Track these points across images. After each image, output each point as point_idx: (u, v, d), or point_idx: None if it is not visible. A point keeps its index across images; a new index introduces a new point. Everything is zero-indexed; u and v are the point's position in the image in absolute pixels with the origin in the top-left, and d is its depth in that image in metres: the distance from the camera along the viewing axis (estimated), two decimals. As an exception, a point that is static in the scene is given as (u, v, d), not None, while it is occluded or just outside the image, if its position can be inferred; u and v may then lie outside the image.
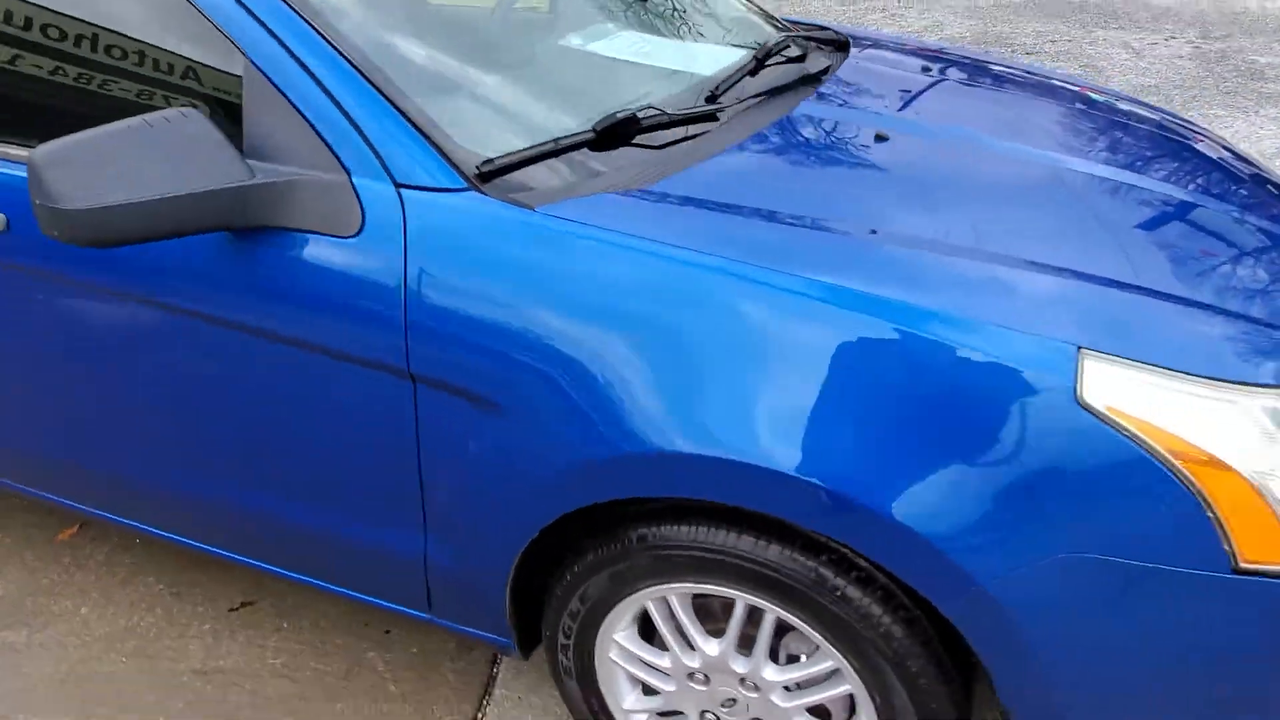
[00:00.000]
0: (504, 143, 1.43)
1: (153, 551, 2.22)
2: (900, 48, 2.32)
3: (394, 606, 1.64)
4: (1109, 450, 1.10)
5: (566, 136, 1.45)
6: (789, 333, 1.19)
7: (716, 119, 1.65)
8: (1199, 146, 1.96)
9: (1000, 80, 2.18)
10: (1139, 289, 1.29)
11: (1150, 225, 1.51)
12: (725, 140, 1.58)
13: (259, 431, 1.52)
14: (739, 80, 1.79)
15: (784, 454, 1.17)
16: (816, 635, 1.31)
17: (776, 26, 2.23)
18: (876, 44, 2.28)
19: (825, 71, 1.97)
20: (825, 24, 2.43)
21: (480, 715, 1.82)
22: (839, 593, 1.25)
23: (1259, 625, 1.14)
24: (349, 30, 1.42)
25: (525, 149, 1.41)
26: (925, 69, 2.16)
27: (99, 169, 1.22)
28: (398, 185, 1.32)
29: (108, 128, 1.25)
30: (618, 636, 1.48)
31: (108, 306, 1.53)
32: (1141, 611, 1.15)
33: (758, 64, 1.88)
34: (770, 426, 1.18)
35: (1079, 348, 1.14)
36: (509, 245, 1.28)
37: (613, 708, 1.58)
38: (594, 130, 1.46)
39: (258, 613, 2.06)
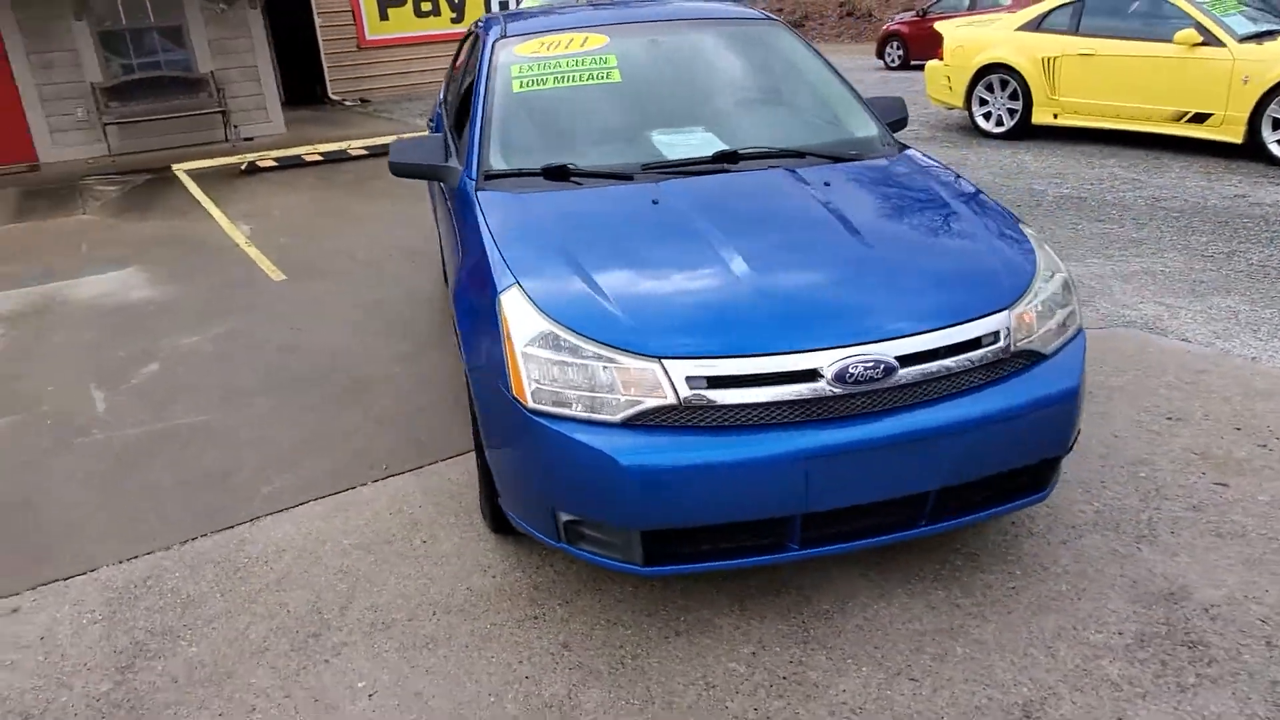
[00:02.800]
0: (510, 163, 3.21)
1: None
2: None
3: None
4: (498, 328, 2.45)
5: (530, 170, 3.14)
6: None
7: (631, 178, 3.03)
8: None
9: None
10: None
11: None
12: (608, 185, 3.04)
13: None
14: (690, 164, 3.12)
15: None
16: None
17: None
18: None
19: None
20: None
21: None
22: None
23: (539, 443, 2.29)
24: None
25: (512, 169, 3.17)
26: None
27: (409, 148, 3.35)
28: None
29: (417, 136, 3.51)
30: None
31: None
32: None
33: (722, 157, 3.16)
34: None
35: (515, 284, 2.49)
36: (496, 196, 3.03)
37: None
38: (541, 170, 3.10)
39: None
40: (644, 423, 2.21)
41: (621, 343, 2.26)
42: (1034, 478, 2.51)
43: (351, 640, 2.57)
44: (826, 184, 2.98)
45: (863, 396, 2.24)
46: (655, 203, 2.87)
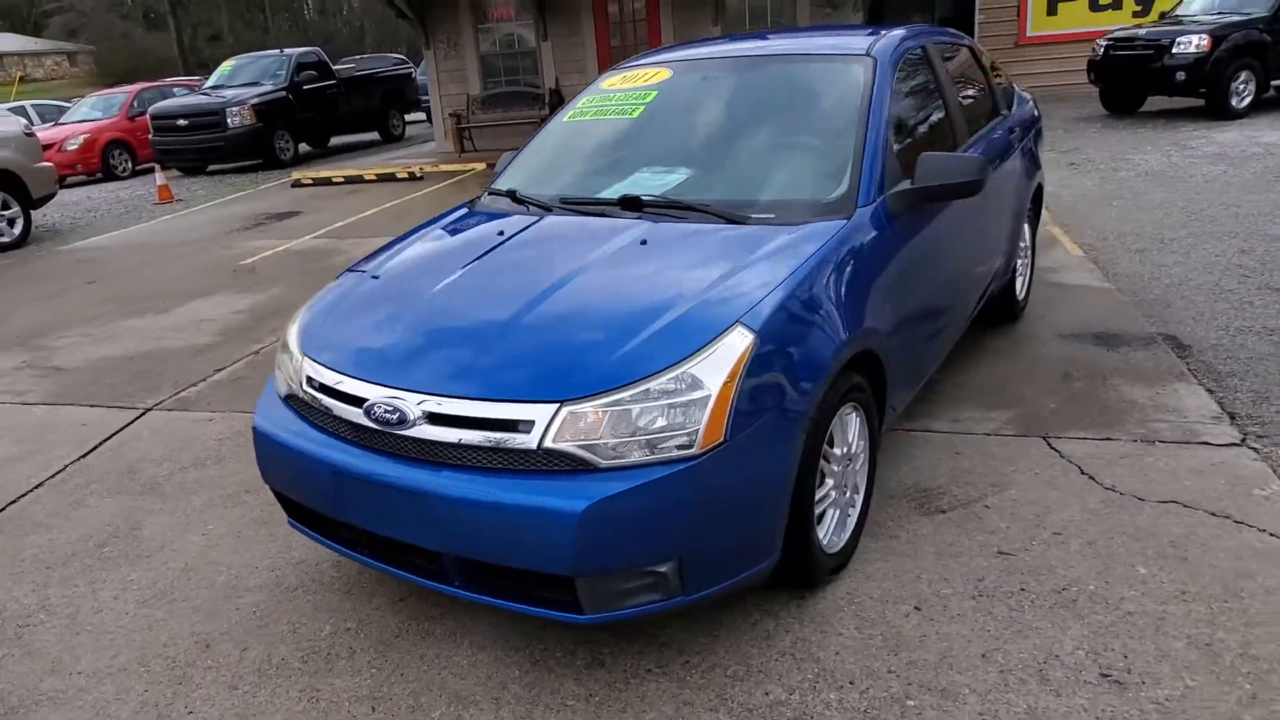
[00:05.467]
0: (508, 184, 3.60)
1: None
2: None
3: None
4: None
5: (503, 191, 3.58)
6: None
7: (549, 209, 3.29)
8: None
9: None
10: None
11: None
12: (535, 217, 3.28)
13: None
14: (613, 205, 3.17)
15: None
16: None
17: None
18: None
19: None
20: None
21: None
22: None
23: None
24: None
25: (506, 190, 3.55)
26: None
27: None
28: None
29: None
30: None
31: None
32: None
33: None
34: None
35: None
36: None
37: None
38: (508, 190, 3.53)
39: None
40: (292, 405, 2.73)
41: (299, 342, 2.79)
42: (565, 593, 2.27)
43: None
44: (643, 242, 2.84)
45: (385, 435, 2.39)
46: (501, 234, 3.12)
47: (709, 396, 2.20)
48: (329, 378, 2.57)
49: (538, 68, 13.44)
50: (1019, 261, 4.74)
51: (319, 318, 2.87)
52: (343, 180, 12.30)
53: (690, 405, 2.19)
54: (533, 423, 2.21)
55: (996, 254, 4.18)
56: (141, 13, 55.98)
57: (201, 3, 51.93)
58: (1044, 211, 7.28)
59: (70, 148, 15.40)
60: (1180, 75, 10.97)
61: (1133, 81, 11.85)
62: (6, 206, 9.81)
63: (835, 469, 2.69)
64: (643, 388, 2.21)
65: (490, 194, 3.64)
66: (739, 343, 2.30)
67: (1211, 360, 4.19)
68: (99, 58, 53.90)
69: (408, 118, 18.82)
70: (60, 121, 17.04)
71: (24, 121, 10.43)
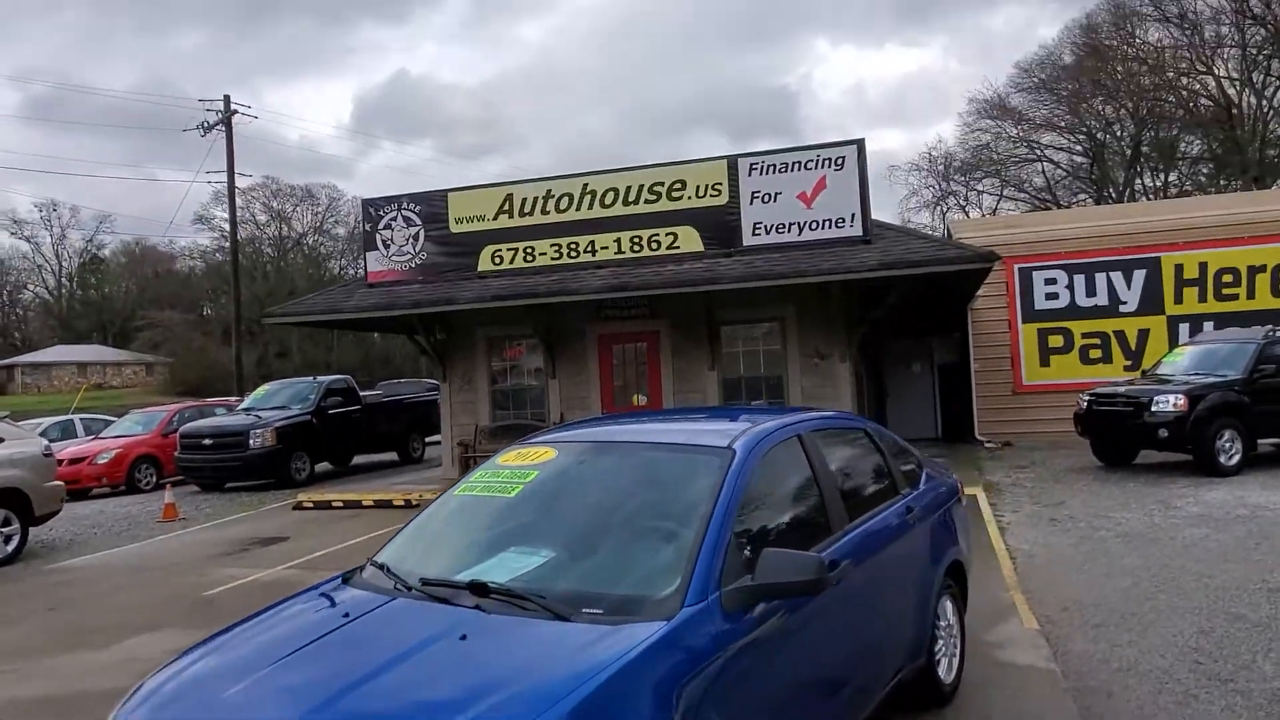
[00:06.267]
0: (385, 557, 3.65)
1: None
2: None
3: None
4: None
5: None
6: None
7: (410, 588, 3.26)
8: None
9: None
10: None
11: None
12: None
13: None
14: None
15: None
16: None
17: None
18: None
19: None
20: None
21: None
22: None
23: None
24: None
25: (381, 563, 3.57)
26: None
27: None
28: None
29: None
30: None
31: None
32: None
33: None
34: None
35: None
36: None
37: None
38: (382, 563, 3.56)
39: None
40: None
41: None
42: None
43: None
44: (463, 637, 2.82)
45: None
46: (346, 616, 3.10)
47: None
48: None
49: (545, 402, 14.13)
50: (941, 643, 4.55)
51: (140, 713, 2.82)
52: (342, 504, 12.59)
53: None
54: None
55: (894, 639, 4.03)
56: (221, 329, 61.00)
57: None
58: (1010, 575, 7.14)
59: (101, 461, 16.17)
60: (1163, 432, 11.14)
61: (1118, 436, 12.04)
62: (7, 523, 10.13)
63: None
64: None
65: (370, 564, 3.68)
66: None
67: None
68: (174, 369, 58.16)
69: (430, 440, 19.62)
70: (100, 435, 18.05)
71: (45, 443, 11.08)
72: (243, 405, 17.46)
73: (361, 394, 17.75)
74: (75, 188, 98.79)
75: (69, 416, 20.59)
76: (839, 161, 11.78)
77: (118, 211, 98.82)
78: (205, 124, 28.75)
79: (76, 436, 18.79)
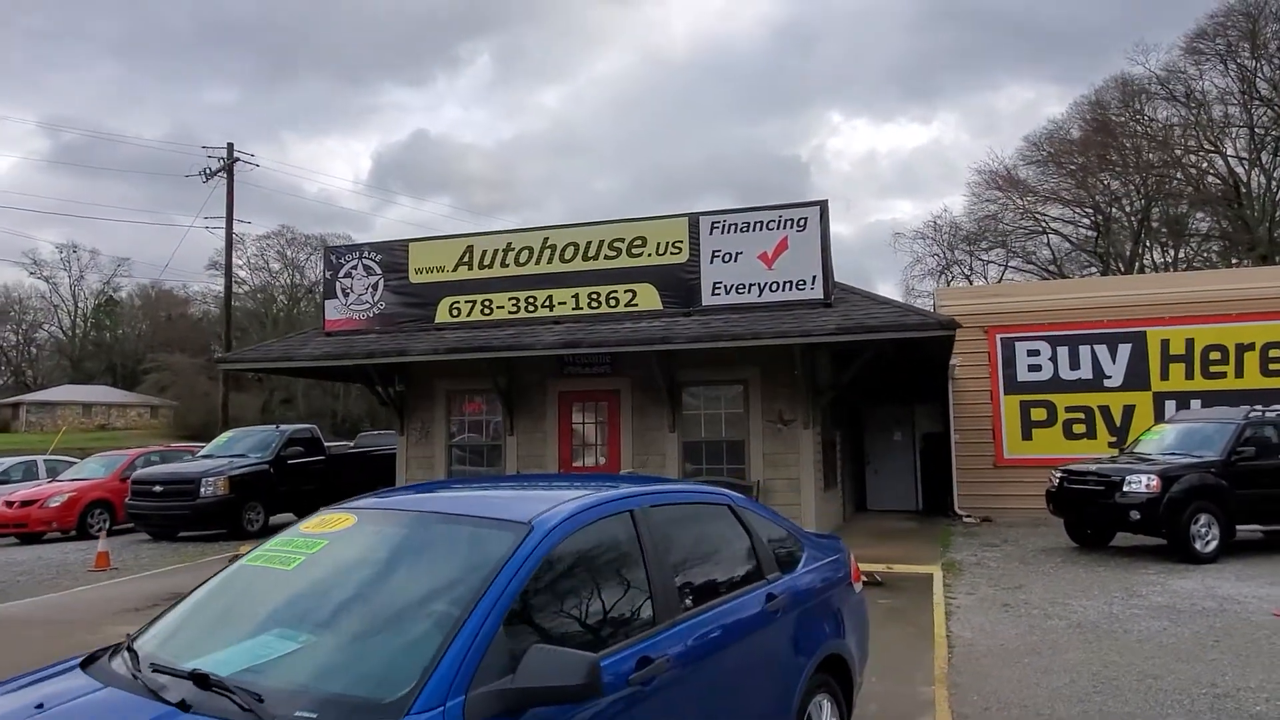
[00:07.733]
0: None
1: None
2: None
3: None
4: None
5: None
6: None
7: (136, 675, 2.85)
8: None
9: None
10: None
11: None
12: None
13: None
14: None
15: None
16: None
17: None
18: None
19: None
20: None
21: None
22: None
23: None
24: None
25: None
26: None
27: None
28: None
29: None
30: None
31: None
32: None
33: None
34: None
35: None
36: None
37: None
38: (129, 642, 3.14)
39: None
40: None
41: None
42: None
43: None
44: None
45: None
46: (39, 707, 2.69)
47: None
48: None
49: (501, 458, 13.68)
50: (812, 750, 4.04)
51: None
52: (280, 559, 12.08)
53: None
54: None
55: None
56: (225, 373, 60.92)
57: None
58: (941, 666, 6.58)
59: (52, 505, 15.74)
60: (1135, 514, 10.57)
61: (1089, 516, 11.46)
62: (-83, 567, 9.73)
63: None
64: None
65: (128, 639, 3.26)
66: None
67: None
68: (178, 413, 57.95)
69: (399, 494, 19.09)
70: (59, 478, 17.66)
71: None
72: (203, 452, 17.06)
73: (327, 444, 17.35)
74: (99, 232, 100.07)
75: (32, 458, 20.22)
76: (801, 223, 11.46)
77: (138, 256, 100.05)
78: (207, 170, 28.97)
79: (38, 478, 18.40)
